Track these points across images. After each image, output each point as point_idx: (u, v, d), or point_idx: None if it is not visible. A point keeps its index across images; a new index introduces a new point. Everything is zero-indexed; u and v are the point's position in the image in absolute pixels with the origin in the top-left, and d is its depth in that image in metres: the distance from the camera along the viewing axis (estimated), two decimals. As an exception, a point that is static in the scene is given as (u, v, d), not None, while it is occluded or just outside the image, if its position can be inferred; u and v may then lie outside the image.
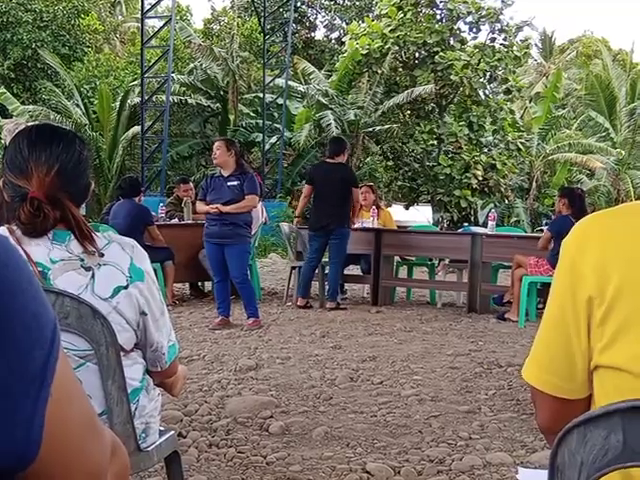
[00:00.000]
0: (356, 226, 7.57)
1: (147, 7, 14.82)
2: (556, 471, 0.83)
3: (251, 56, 20.23)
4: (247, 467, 2.93)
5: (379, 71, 16.76)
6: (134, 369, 1.71)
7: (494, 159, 16.75)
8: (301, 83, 18.78)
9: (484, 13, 16.67)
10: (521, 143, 17.39)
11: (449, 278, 8.20)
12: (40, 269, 1.55)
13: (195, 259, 7.43)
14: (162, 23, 15.90)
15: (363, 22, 18.09)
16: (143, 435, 1.76)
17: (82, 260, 1.58)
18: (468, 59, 16.24)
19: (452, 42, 17.09)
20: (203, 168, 18.24)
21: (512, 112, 17.97)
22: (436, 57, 16.33)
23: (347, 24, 22.65)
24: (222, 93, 18.65)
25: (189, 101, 17.99)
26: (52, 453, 0.57)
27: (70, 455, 0.59)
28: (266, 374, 4.40)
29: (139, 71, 15.43)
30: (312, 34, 25.17)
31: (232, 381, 4.21)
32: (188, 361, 4.71)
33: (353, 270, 8.33)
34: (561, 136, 19.62)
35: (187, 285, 8.28)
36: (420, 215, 17.69)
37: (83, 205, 1.73)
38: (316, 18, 25.71)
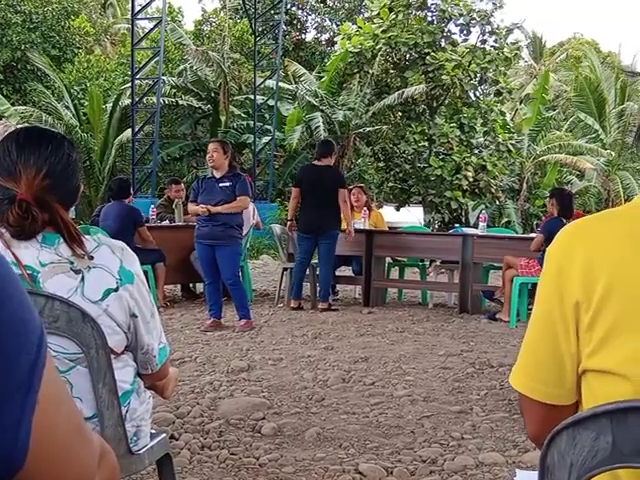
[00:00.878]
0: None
1: (137, 8, 14.80)
2: (546, 472, 0.84)
3: (242, 58, 20.21)
4: (239, 469, 2.93)
5: (370, 72, 16.79)
6: (125, 372, 1.70)
7: (485, 160, 16.80)
8: (292, 84, 18.78)
9: (475, 15, 16.73)
10: (512, 144, 17.45)
11: (440, 279, 8.22)
12: (30, 272, 1.55)
13: (186, 260, 7.42)
14: (153, 24, 15.87)
15: (355, 23, 18.12)
16: (134, 438, 1.76)
17: (72, 263, 1.57)
18: (459, 60, 16.29)
19: (443, 44, 17.13)
20: (194, 169, 18.20)
21: (503, 113, 18.02)
22: (427, 58, 16.36)
23: (337, 26, 22.67)
24: (213, 95, 18.63)
25: (180, 103, 17.95)
26: (40, 460, 0.56)
27: (58, 461, 0.59)
28: (258, 375, 4.39)
29: (130, 72, 15.39)
30: (303, 36, 25.19)
31: (224, 383, 4.20)
32: (180, 363, 4.70)
33: (345, 271, 8.34)
34: (551, 137, 19.69)
35: (178, 287, 8.26)
36: (411, 216, 17.70)
37: (72, 208, 1.72)
38: (306, 20, 25.73)
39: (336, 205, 6.93)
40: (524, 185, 18.20)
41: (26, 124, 14.52)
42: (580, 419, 0.79)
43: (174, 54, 19.76)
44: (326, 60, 20.30)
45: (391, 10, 16.70)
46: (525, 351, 1.02)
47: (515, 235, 9.39)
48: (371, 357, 4.95)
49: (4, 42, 19.66)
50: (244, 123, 18.65)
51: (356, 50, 16.62)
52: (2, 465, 0.54)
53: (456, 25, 17.15)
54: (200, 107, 18.47)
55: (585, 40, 31.78)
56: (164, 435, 1.95)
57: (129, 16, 16.47)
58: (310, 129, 16.68)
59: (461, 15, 16.69)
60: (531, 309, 7.22)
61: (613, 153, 18.42)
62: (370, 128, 16.86)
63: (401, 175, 17.55)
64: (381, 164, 17.83)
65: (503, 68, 17.10)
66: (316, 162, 7.14)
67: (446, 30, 17.22)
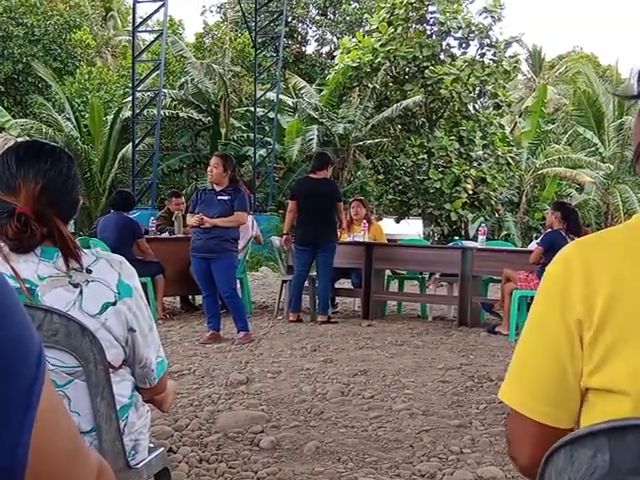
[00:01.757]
0: (347, 240, 7.58)
1: (139, 21, 14.87)
2: (544, 489, 0.84)
3: (243, 70, 20.31)
4: (237, 483, 2.91)
5: (370, 85, 16.87)
6: (123, 385, 1.70)
7: (484, 173, 16.84)
8: (292, 97, 18.85)
9: (474, 29, 16.82)
10: (511, 157, 17.51)
11: (440, 292, 8.21)
12: (28, 286, 1.55)
13: (186, 273, 7.40)
14: (154, 37, 15.94)
15: (354, 37, 18.21)
16: (132, 452, 1.75)
17: (70, 277, 1.58)
18: (458, 74, 16.36)
19: (442, 57, 17.22)
20: (194, 181, 18.25)
21: (502, 127, 18.10)
22: (426, 72, 16.44)
23: (338, 38, 22.81)
24: (213, 107, 18.70)
25: (180, 115, 18.02)
26: (37, 477, 0.56)
27: (56, 478, 0.59)
28: (257, 388, 4.38)
29: (130, 85, 15.45)
30: (303, 48, 25.32)
31: (223, 396, 4.19)
32: (178, 375, 4.69)
33: (344, 284, 8.33)
34: (550, 150, 19.74)
35: (178, 299, 8.25)
36: (411, 229, 17.74)
37: (71, 221, 1.73)
38: (307, 33, 25.87)
39: (332, 218, 6.93)
40: (523, 198, 18.24)
41: (26, 137, 14.56)
42: (578, 437, 0.79)
43: (175, 66, 19.86)
44: (326, 72, 20.40)
45: (390, 24, 16.80)
46: (520, 366, 0.99)
47: (514, 248, 9.39)
48: (370, 370, 4.94)
49: (6, 55, 19.76)
50: (244, 135, 18.72)
51: (355, 64, 16.71)
52: None
53: (455, 39, 17.26)
54: (200, 119, 18.54)
55: (584, 54, 31.93)
56: (162, 449, 1.94)
57: (130, 28, 16.56)
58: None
59: (460, 28, 16.79)
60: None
61: (612, 166, 18.47)
62: (370, 141, 16.93)
63: (400, 187, 17.59)
64: (381, 176, 17.88)
65: (502, 81, 17.18)
66: (312, 175, 7.13)
67: (445, 43, 17.32)
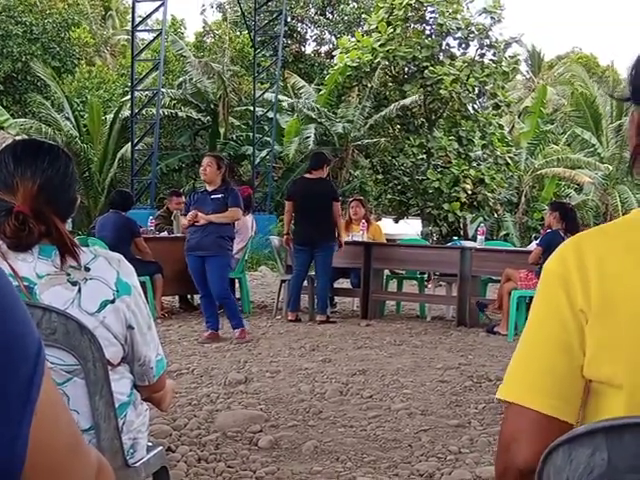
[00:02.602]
0: (346, 239, 7.57)
1: (138, 20, 14.85)
2: (542, 488, 0.84)
3: (242, 70, 20.30)
4: (236, 482, 2.91)
5: (369, 85, 16.86)
6: (121, 383, 1.70)
7: (483, 173, 16.84)
8: (291, 97, 18.84)
9: (473, 29, 16.81)
10: (510, 158, 17.50)
11: (438, 292, 8.21)
12: (26, 284, 1.55)
13: (184, 272, 7.36)
14: (153, 36, 15.94)
15: (353, 37, 18.20)
16: (131, 450, 1.75)
17: (68, 275, 1.58)
18: (457, 74, 16.36)
19: (441, 57, 17.21)
20: (193, 180, 18.23)
21: (501, 127, 18.09)
22: (425, 72, 16.44)
23: (336, 38, 22.79)
24: (212, 106, 18.69)
25: (179, 114, 18.00)
26: (36, 472, 0.56)
27: (54, 474, 0.59)
28: (255, 388, 4.38)
29: (130, 84, 15.44)
30: (302, 48, 25.31)
31: (221, 395, 4.19)
32: (177, 375, 4.69)
33: (343, 283, 8.33)
34: (549, 151, 19.74)
35: (176, 298, 8.25)
36: (410, 228, 17.74)
37: (69, 220, 1.73)
38: (306, 32, 25.86)
39: (330, 218, 6.91)
40: (522, 198, 18.24)
41: (25, 136, 14.55)
42: (576, 435, 0.79)
43: (174, 65, 19.84)
44: (325, 72, 20.39)
45: (389, 24, 16.79)
46: (524, 362, 0.98)
47: (513, 248, 9.39)
48: (369, 370, 4.94)
49: (5, 53, 19.73)
50: (243, 135, 18.71)
51: (354, 64, 16.71)
52: None
53: (454, 39, 17.25)
54: (199, 119, 18.53)
55: (584, 54, 31.93)
56: (161, 448, 1.94)
57: (129, 27, 16.55)
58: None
59: (459, 29, 16.79)
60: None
61: (611, 167, 18.48)
62: (369, 140, 16.92)
63: (399, 187, 17.59)
64: (379, 176, 17.87)
65: (501, 82, 17.17)
66: (307, 175, 7.11)
67: (444, 44, 17.30)
